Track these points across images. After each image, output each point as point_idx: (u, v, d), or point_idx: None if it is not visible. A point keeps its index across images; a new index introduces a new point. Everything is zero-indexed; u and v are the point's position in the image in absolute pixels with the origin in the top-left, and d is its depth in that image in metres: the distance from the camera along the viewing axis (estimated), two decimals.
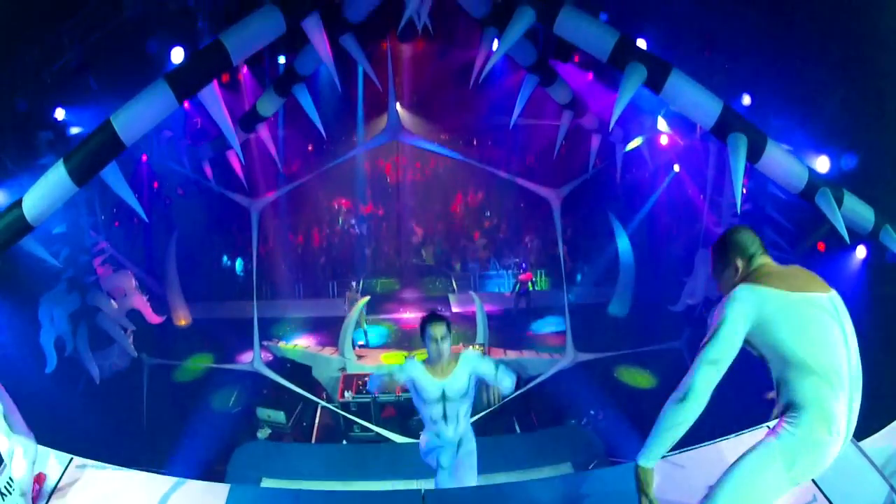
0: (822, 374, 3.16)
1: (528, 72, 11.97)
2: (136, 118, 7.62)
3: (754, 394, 4.73)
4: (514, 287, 19.07)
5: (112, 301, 13.33)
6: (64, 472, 5.24)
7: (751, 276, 3.47)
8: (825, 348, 3.23)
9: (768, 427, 3.85)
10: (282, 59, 13.38)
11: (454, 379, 5.57)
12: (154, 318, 14.66)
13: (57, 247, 11.97)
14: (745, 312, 3.34)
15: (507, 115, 12.44)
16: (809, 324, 3.26)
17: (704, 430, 5.75)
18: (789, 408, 3.27)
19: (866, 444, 4.82)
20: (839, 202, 8.26)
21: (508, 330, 17.40)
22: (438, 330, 5.39)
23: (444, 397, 5.61)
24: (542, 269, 20.93)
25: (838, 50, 9.10)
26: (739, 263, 3.56)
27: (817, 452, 3.24)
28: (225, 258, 20.78)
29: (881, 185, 8.79)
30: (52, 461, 5.14)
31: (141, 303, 14.25)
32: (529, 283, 18.77)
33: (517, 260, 21.14)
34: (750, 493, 3.35)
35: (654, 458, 3.47)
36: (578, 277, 20.43)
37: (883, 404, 4.83)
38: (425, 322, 5.48)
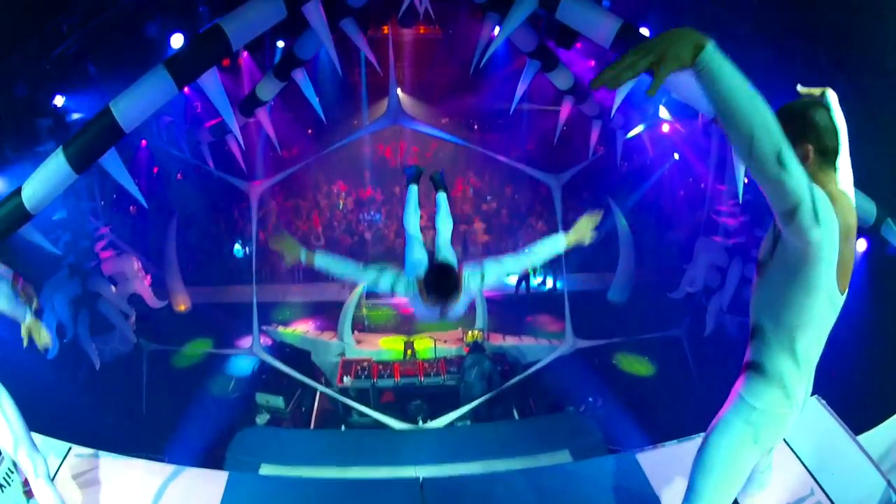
0: (802, 366, 3.11)
1: (530, 57, 11.92)
2: (135, 105, 7.60)
3: None
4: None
5: (113, 286, 13.34)
6: (63, 460, 5.27)
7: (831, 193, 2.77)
8: (818, 347, 3.15)
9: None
10: (280, 44, 13.30)
11: (455, 307, 5.07)
12: (155, 303, 14.68)
13: (57, 233, 11.97)
14: (831, 228, 2.65)
15: (509, 100, 12.41)
16: (826, 326, 3.06)
17: (701, 422, 5.79)
18: (755, 370, 3.21)
19: (864, 438, 4.84)
20: None
21: (508, 315, 17.40)
22: (444, 307, 4.86)
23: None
24: None
25: (841, 44, 9.04)
26: (811, 152, 2.83)
27: (779, 424, 3.26)
28: (224, 243, 20.75)
29: (882, 178, 8.75)
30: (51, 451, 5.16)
31: (142, 288, 14.27)
32: (530, 269, 18.72)
33: (519, 245, 21.09)
34: (728, 475, 3.36)
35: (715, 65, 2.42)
36: (578, 263, 20.43)
37: (881, 399, 4.85)
38: (432, 292, 4.83)
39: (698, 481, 3.40)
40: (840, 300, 2.96)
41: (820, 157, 2.84)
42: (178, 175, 16.95)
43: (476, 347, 13.30)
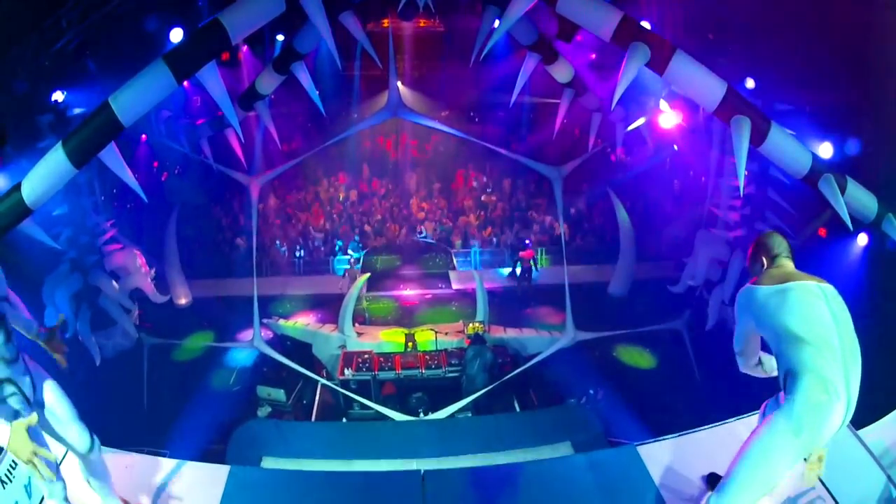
0: (814, 343, 3.63)
1: (530, 50, 11.87)
2: (134, 99, 7.58)
3: (748, 383, 4.81)
4: (515, 264, 18.86)
5: (114, 282, 13.32)
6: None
7: (761, 277, 4.10)
8: (813, 321, 3.72)
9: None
10: (280, 38, 13.27)
11: None
12: (157, 298, 14.66)
13: (58, 228, 11.98)
14: (745, 310, 4.11)
15: (509, 93, 12.37)
16: (796, 303, 3.79)
17: (702, 416, 5.81)
18: (787, 377, 3.70)
19: (865, 434, 4.85)
20: (842, 189, 8.23)
21: (509, 308, 17.44)
22: None
23: None
24: (542, 247, 20.94)
25: (843, 35, 9.01)
26: (764, 261, 4.19)
27: (819, 414, 3.58)
28: (224, 236, 20.75)
29: (884, 173, 8.75)
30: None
31: (144, 282, 14.24)
32: (531, 262, 18.57)
33: (521, 237, 21.01)
34: (765, 467, 3.77)
35: None
36: (579, 256, 20.43)
37: (882, 394, 4.86)
38: None
39: (734, 468, 3.86)
40: (793, 284, 3.89)
41: (772, 260, 4.15)
42: (177, 169, 16.94)
43: (477, 339, 13.30)
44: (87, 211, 12.98)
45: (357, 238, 18.79)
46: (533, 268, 18.51)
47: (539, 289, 18.63)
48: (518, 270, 18.66)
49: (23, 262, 10.26)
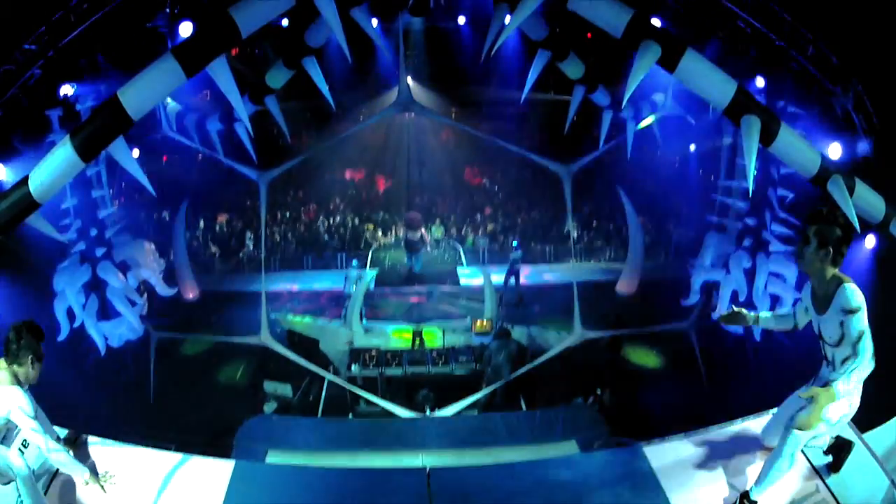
0: None
1: (541, 47, 11.83)
2: (143, 93, 7.55)
3: (754, 383, 4.79)
4: (511, 265, 18.24)
5: (120, 274, 13.32)
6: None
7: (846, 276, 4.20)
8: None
9: None
10: (290, 32, 13.24)
11: None
12: (165, 290, 14.67)
13: (68, 220, 12.03)
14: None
15: (519, 89, 12.34)
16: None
17: (709, 416, 5.78)
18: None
19: (869, 436, 4.83)
20: (851, 190, 8.17)
21: (516, 305, 17.45)
22: None
23: None
24: (550, 244, 20.92)
25: (853, 35, 8.96)
26: (843, 253, 4.22)
27: None
28: (234, 231, 20.80)
29: (892, 175, 8.69)
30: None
31: (153, 275, 14.23)
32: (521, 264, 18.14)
33: (511, 237, 20.84)
34: None
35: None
36: (587, 254, 20.38)
37: (887, 398, 4.85)
38: None
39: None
40: None
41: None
42: (188, 163, 16.95)
43: (502, 332, 13.42)
44: (96, 203, 12.99)
45: (355, 262, 18.63)
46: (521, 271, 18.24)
47: (545, 287, 18.56)
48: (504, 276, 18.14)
49: (32, 252, 10.31)
